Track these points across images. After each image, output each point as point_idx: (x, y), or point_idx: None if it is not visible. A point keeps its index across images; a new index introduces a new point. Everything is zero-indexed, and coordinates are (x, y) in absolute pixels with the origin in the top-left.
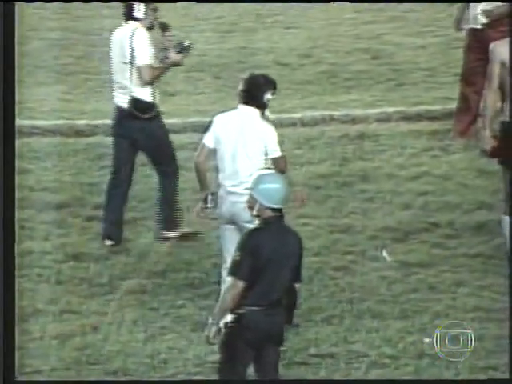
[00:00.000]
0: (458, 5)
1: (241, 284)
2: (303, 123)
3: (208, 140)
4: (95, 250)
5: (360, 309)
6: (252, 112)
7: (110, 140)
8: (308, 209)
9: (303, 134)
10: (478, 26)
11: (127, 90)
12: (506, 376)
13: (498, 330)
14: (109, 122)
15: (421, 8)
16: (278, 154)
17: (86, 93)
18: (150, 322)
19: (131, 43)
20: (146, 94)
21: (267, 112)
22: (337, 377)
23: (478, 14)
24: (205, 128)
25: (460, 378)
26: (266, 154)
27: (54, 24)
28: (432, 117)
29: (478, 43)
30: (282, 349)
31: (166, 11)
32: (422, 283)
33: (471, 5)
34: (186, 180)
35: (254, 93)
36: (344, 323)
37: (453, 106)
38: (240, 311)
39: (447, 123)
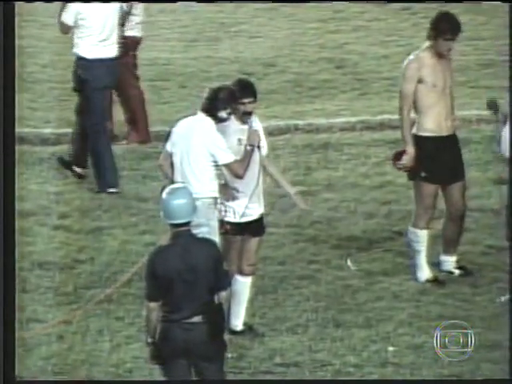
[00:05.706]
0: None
1: (151, 304)
2: (268, 132)
3: (167, 143)
4: (61, 259)
5: (324, 318)
6: (205, 120)
7: None
8: (272, 218)
9: (268, 143)
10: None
11: None
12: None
13: (462, 337)
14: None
15: (384, 17)
16: (227, 159)
17: (51, 101)
18: (115, 331)
19: None
20: None
21: (254, 123)
22: None
23: None
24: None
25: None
26: (216, 161)
27: (20, 31)
28: (395, 126)
29: None
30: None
31: None
32: (386, 292)
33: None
34: (152, 189)
35: (211, 104)
36: (309, 332)
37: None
38: (162, 325)
39: None
